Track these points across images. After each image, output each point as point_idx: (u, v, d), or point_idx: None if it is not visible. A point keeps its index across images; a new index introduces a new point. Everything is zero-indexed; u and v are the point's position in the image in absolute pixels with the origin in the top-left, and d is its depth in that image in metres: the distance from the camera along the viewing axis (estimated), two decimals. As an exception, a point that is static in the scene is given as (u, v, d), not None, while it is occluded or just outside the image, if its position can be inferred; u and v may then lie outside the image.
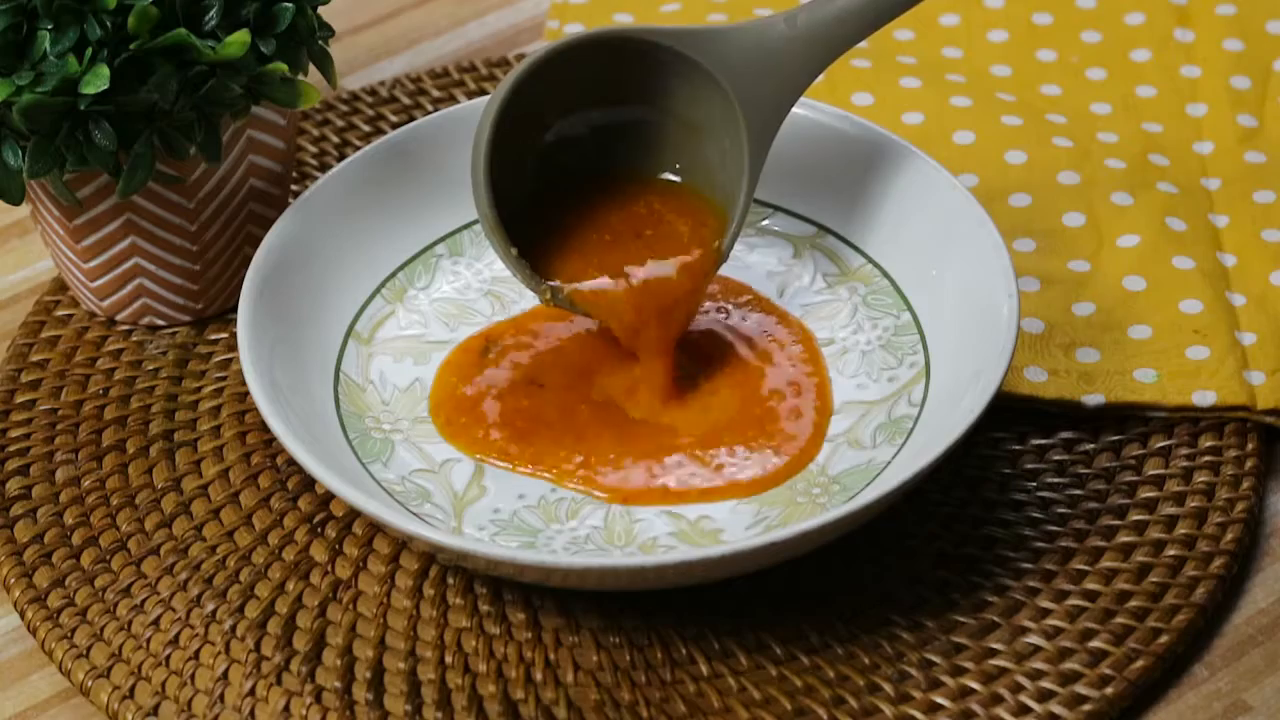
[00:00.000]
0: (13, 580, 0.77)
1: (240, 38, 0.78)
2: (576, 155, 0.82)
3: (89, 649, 0.75)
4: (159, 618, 0.76)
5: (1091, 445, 0.80)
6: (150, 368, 0.85)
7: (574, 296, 0.79)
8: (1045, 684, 0.72)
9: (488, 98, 0.78)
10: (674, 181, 0.82)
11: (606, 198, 0.82)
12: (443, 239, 0.86)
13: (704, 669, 0.73)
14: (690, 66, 0.79)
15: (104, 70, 0.75)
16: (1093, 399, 0.80)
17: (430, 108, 0.97)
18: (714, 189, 0.81)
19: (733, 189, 0.80)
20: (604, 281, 0.80)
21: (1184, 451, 0.80)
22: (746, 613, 0.75)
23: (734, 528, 0.76)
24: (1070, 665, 0.73)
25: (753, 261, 0.85)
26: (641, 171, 0.83)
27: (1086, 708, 0.71)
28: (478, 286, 0.85)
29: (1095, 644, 0.73)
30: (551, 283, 0.79)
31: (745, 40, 0.79)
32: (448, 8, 1.05)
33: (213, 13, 0.79)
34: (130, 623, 0.75)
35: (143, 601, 0.76)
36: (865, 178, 0.84)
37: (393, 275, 0.84)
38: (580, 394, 0.80)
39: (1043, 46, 0.97)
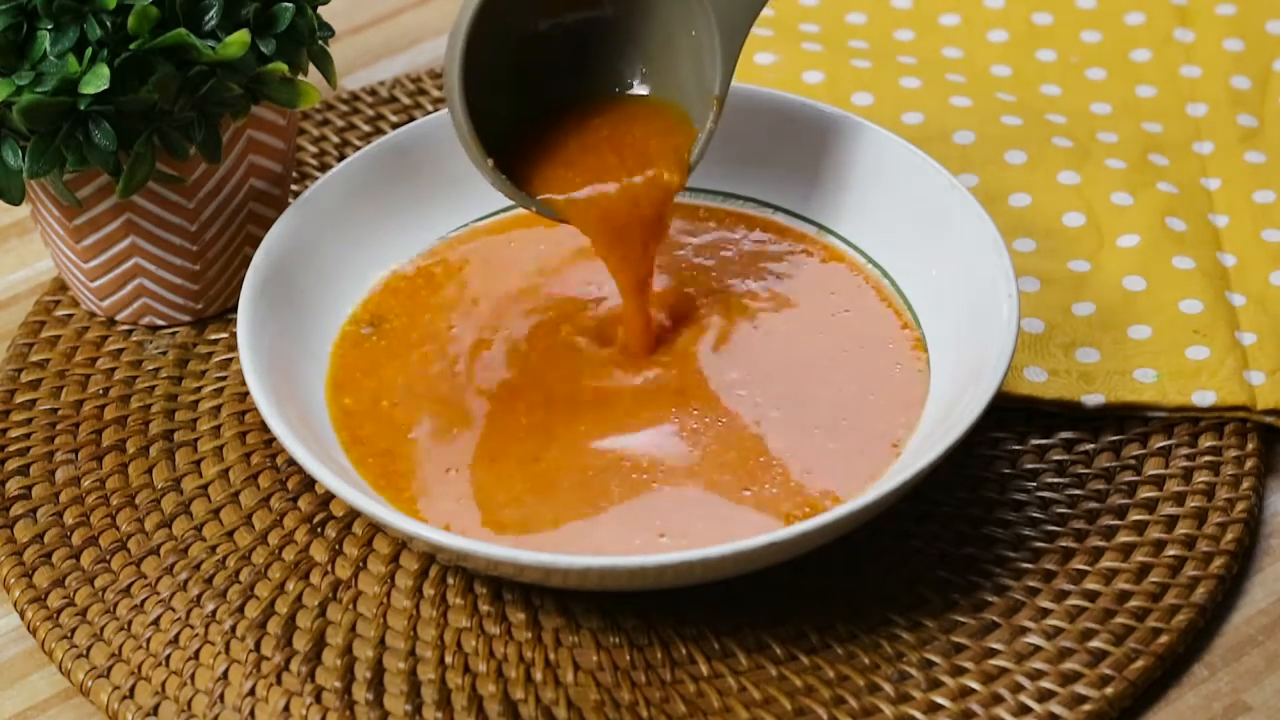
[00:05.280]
0: (13, 580, 0.77)
1: (240, 38, 0.78)
2: (549, 71, 0.81)
3: (89, 649, 0.75)
4: (159, 618, 0.76)
5: (1091, 445, 0.80)
6: (150, 368, 0.85)
7: (554, 204, 0.79)
8: (1045, 684, 0.72)
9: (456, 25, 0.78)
10: (644, 96, 0.82)
11: (581, 115, 0.81)
12: (442, 239, 0.85)
13: (704, 669, 0.73)
14: None
15: (104, 70, 0.75)
16: (1093, 399, 0.80)
17: (430, 108, 0.97)
18: (686, 98, 0.81)
19: (707, 93, 0.80)
20: (589, 189, 0.79)
21: (1184, 451, 0.80)
22: (746, 613, 0.75)
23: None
24: (1070, 665, 0.73)
25: (753, 261, 0.85)
26: (613, 85, 0.82)
27: (1086, 708, 0.71)
28: (478, 286, 0.85)
29: (1095, 644, 0.73)
30: (539, 197, 0.79)
31: None
32: (448, 8, 1.05)
33: (213, 13, 0.79)
34: (130, 623, 0.75)
35: (143, 601, 0.76)
36: (865, 178, 0.84)
37: (392, 275, 0.84)
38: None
39: (1043, 46, 0.97)
